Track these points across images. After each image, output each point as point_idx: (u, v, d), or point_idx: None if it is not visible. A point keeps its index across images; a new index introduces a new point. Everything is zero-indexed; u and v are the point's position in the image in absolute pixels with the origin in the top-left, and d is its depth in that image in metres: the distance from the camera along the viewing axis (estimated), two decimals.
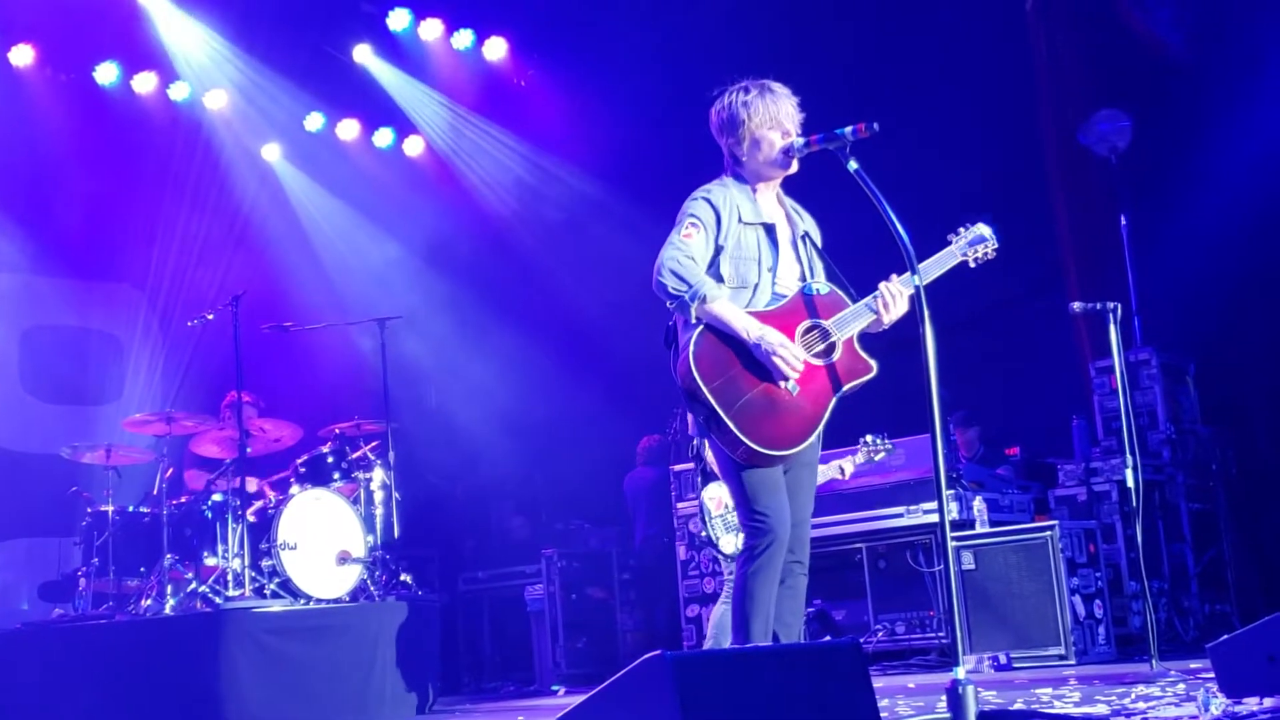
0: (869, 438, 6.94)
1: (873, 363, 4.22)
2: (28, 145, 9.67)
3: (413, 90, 11.46)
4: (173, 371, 10.52)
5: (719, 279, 4.19)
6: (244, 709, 7.25)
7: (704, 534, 6.40)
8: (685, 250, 4.15)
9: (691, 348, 4.07)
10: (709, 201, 4.25)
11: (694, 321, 4.10)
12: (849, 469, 6.93)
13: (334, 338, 10.12)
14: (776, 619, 4.16)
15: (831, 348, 4.17)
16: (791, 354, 4.06)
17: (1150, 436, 8.84)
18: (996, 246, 4.34)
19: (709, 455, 6.25)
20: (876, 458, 7.07)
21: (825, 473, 6.82)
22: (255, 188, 11.00)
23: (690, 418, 4.34)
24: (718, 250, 4.21)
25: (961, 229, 4.35)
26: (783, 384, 4.06)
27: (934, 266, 4.25)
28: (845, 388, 4.18)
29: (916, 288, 3.80)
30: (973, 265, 4.33)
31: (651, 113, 10.60)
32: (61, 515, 9.05)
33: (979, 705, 3.41)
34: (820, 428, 4.16)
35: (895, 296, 4.16)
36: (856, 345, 4.23)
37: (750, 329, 4.08)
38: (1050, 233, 10.08)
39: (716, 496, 6.34)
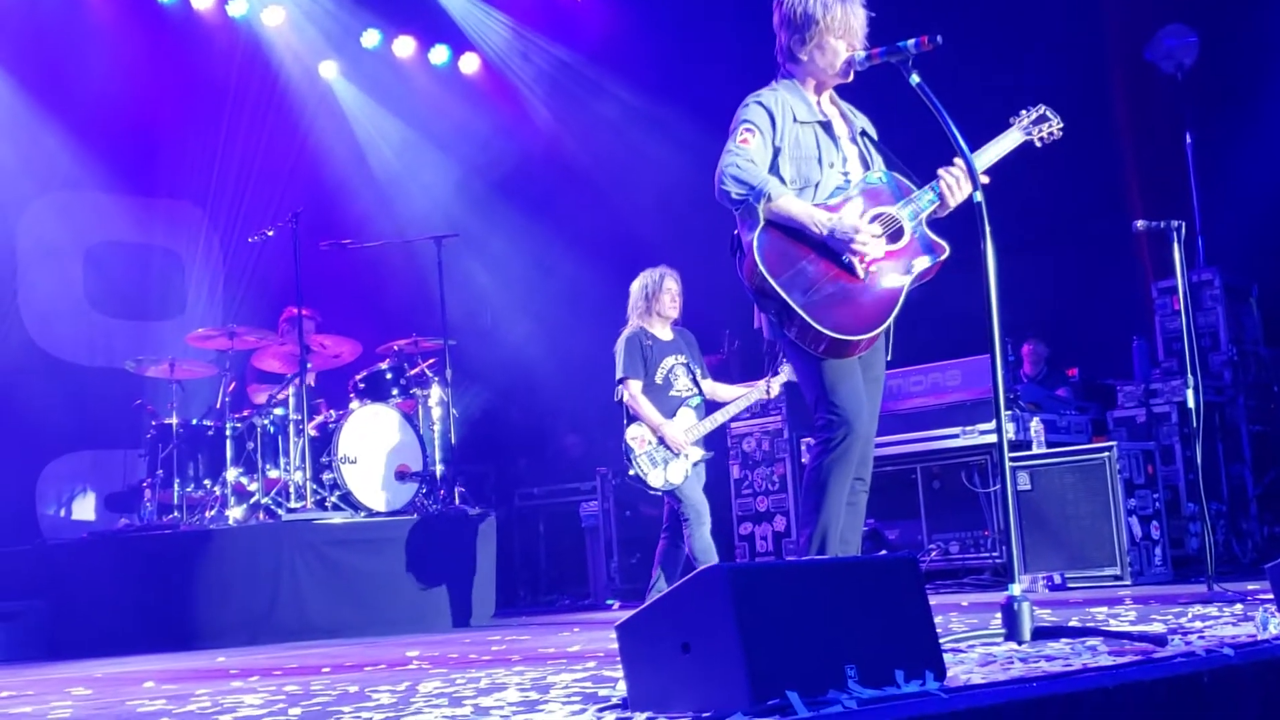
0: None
1: (945, 244, 4.14)
2: (89, 63, 9.73)
3: (468, 6, 11.40)
4: (234, 287, 10.64)
5: (781, 181, 4.13)
6: (305, 617, 7.45)
7: (631, 473, 6.54)
8: (744, 154, 4.07)
9: (756, 244, 4.01)
10: (762, 105, 4.18)
11: (761, 222, 4.03)
12: (775, 389, 6.87)
13: (392, 255, 10.16)
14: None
15: (900, 233, 4.10)
16: (868, 233, 4.00)
17: (1212, 358, 8.75)
18: (1062, 125, 4.26)
19: (628, 396, 6.64)
20: None
21: (750, 396, 6.80)
22: (313, 105, 11.03)
23: (762, 319, 4.23)
24: (776, 152, 4.15)
25: (1023, 111, 4.28)
26: (857, 264, 4.00)
27: (996, 148, 4.18)
28: (917, 270, 4.10)
29: (978, 204, 3.72)
30: (1039, 145, 4.26)
31: (708, 27, 10.47)
32: (126, 428, 9.21)
33: (1034, 621, 3.41)
34: (894, 314, 4.08)
35: (958, 179, 4.07)
36: (927, 228, 4.15)
37: (819, 220, 4.01)
38: (1114, 150, 9.92)
39: (638, 435, 6.61)
